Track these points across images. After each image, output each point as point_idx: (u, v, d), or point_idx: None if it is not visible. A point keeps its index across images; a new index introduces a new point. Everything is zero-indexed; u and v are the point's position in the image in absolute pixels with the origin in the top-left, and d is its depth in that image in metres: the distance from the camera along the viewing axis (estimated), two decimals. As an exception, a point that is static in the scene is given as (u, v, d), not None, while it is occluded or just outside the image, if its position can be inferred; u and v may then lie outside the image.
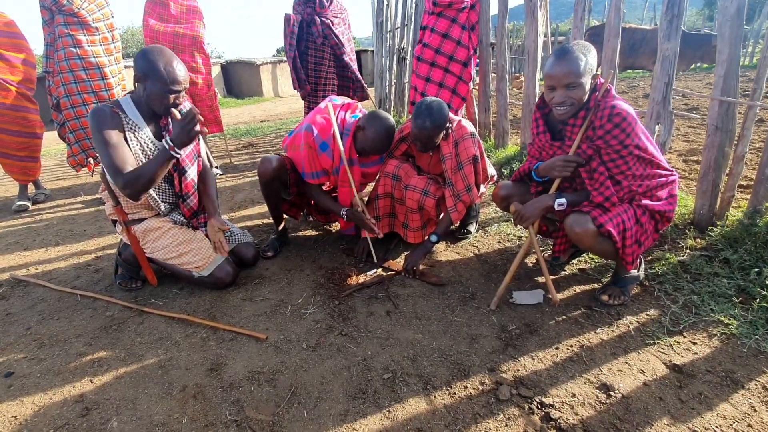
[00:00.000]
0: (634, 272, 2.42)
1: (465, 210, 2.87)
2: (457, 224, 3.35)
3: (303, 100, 5.06)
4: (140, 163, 2.39)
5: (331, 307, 2.52)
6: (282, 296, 2.67)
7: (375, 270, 2.87)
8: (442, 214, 2.96)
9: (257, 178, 3.44)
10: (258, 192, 4.76)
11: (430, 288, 2.67)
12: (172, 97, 2.37)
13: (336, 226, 3.66)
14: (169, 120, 2.51)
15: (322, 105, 3.00)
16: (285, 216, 3.51)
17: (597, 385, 1.93)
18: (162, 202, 2.63)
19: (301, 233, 3.58)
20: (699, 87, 9.91)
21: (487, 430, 1.75)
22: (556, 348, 2.12)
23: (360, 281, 2.75)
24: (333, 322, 2.39)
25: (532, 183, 2.47)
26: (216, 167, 5.60)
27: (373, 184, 3.20)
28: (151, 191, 2.49)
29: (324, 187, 3.18)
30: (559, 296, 2.41)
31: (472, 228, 3.30)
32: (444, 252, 3.10)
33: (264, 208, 4.26)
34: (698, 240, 2.79)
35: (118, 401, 1.97)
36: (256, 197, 4.60)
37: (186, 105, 2.50)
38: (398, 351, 2.14)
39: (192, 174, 2.67)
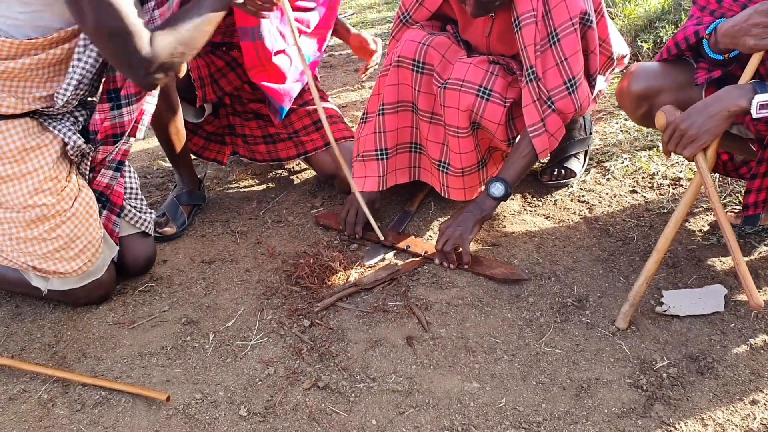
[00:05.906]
0: None
1: (563, 130, 1.97)
2: (547, 159, 2.48)
3: None
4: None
5: (295, 333, 1.91)
6: (196, 314, 1.97)
7: (380, 255, 2.14)
8: (517, 139, 2.05)
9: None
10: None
11: (491, 289, 2.00)
12: None
13: (299, 169, 2.55)
14: None
15: None
16: (198, 157, 2.46)
17: None
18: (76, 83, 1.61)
19: (231, 188, 2.62)
20: None
21: None
22: (753, 403, 1.58)
23: (351, 279, 2.08)
24: (300, 363, 1.80)
25: (700, 64, 1.82)
26: None
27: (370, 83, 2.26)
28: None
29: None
30: (763, 297, 1.85)
31: (577, 165, 2.42)
32: (520, 215, 2.37)
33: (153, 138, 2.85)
34: None
35: None
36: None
37: None
38: (431, 419, 1.63)
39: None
